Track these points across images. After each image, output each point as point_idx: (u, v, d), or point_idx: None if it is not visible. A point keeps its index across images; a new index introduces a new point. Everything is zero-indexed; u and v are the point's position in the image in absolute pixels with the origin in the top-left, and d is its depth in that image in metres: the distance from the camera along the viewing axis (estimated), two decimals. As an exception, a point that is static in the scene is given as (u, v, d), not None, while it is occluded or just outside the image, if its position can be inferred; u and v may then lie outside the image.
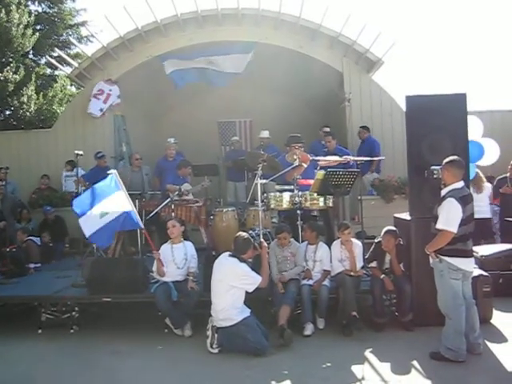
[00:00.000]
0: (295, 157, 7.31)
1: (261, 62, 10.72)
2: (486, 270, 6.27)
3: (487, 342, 5.36)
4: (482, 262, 6.57)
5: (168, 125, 13.53)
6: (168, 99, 12.31)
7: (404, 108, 6.33)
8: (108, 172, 6.71)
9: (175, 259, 6.32)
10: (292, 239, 6.55)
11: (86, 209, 6.27)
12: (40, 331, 6.40)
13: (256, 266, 5.83)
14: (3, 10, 14.34)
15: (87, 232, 6.18)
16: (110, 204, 6.26)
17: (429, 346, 5.19)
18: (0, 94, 14.16)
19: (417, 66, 38.19)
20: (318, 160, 7.73)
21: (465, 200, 4.86)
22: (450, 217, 4.79)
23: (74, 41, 17.51)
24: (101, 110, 11.49)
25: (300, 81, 12.18)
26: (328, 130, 10.40)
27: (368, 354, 5.31)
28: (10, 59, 14.80)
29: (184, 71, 11.07)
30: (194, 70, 11.12)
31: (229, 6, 10.95)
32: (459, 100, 6.01)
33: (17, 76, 14.32)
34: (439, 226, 4.85)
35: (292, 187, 7.09)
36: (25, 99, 14.55)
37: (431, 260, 5.11)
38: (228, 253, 5.79)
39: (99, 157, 10.12)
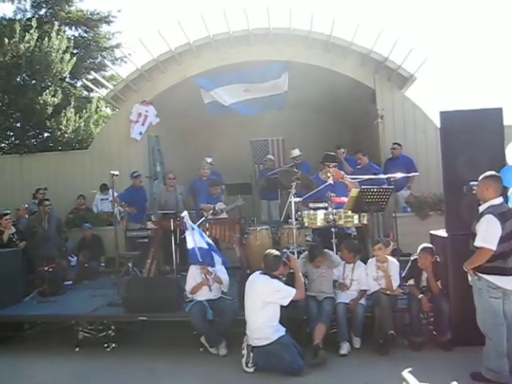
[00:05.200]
0: (329, 174, 7.30)
1: (292, 79, 10.77)
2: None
3: (530, 363, 5.20)
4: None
5: (201, 144, 13.68)
6: (201, 119, 12.47)
7: (438, 124, 6.27)
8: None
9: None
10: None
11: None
12: (77, 349, 6.48)
13: (289, 283, 5.79)
14: (46, 39, 14.80)
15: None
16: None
17: (468, 366, 5.06)
18: (39, 116, 14.54)
19: (451, 80, 37.81)
20: (352, 178, 7.70)
21: (504, 216, 4.74)
22: (488, 234, 4.70)
23: (108, 63, 17.94)
24: (140, 133, 11.73)
25: (331, 98, 12.20)
26: (343, 150, 10.35)
27: (405, 373, 5.21)
28: (49, 83, 15.19)
29: (218, 104, 11.18)
30: (229, 106, 11.20)
31: (260, 26, 11.07)
32: (495, 115, 5.92)
33: (55, 99, 14.70)
34: (478, 243, 4.76)
35: (326, 205, 7.06)
36: (64, 121, 14.92)
37: (470, 278, 5.00)
38: (259, 271, 5.79)
39: (135, 176, 10.23)
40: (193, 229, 6.36)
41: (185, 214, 6.52)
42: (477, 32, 39.92)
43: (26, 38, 14.22)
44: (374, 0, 41.26)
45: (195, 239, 6.27)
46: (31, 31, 14.46)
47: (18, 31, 14.16)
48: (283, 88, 10.87)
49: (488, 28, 38.57)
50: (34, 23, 15.04)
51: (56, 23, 16.57)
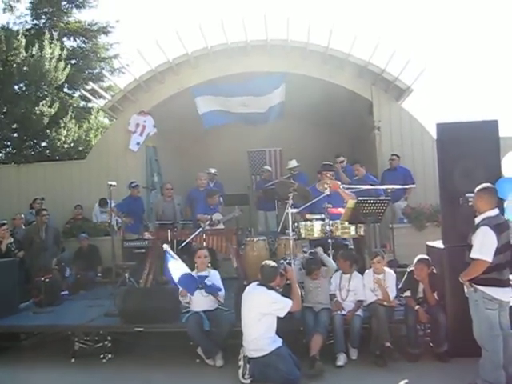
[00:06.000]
0: (326, 185, 7.32)
1: (289, 91, 10.82)
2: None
3: (527, 375, 5.19)
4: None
5: (198, 155, 13.71)
6: (198, 129, 12.52)
7: (435, 135, 6.30)
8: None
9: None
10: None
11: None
12: (73, 360, 6.44)
13: (286, 294, 5.79)
14: (36, 45, 14.85)
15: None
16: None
17: (465, 378, 5.06)
18: (36, 127, 14.56)
19: (448, 92, 37.98)
20: (349, 188, 7.71)
21: (500, 228, 4.76)
22: (484, 245, 4.70)
23: (106, 74, 17.99)
24: (138, 143, 11.78)
25: (329, 109, 12.25)
26: (342, 159, 10.32)
27: (402, 385, 5.21)
28: (46, 93, 15.22)
29: (215, 114, 11.23)
30: (225, 114, 11.27)
31: (258, 37, 11.13)
32: (491, 127, 5.97)
33: (51, 109, 14.72)
34: (473, 254, 4.77)
35: (323, 216, 7.08)
36: (64, 132, 14.95)
37: (466, 289, 5.01)
38: (256, 282, 5.78)
39: (133, 186, 10.24)
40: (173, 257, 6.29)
41: (166, 246, 6.50)
42: (474, 44, 40.21)
43: (15, 45, 14.24)
44: (371, 12, 41.56)
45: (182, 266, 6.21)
46: (18, 37, 14.50)
47: (3, 39, 14.18)
48: (280, 98, 10.91)
49: (485, 39, 38.85)
50: (21, 30, 15.10)
51: (47, 32, 16.53)
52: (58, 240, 9.93)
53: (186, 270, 6.18)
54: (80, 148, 15.55)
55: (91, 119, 17.57)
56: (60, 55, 15.83)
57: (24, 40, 14.66)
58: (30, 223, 10.49)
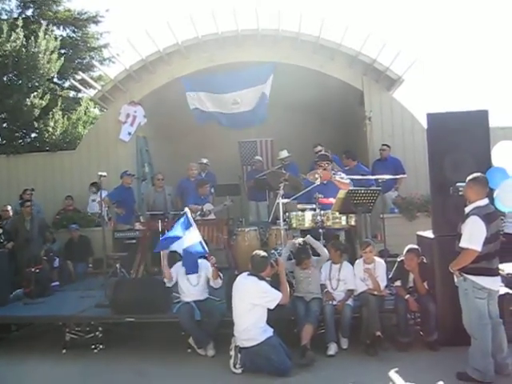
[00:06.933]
0: (316, 175, 7.32)
1: (280, 81, 10.77)
2: (512, 288, 6.15)
3: (515, 363, 5.23)
4: (508, 280, 6.45)
5: (189, 145, 13.61)
6: (189, 120, 12.44)
7: (425, 125, 6.31)
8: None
9: (188, 277, 6.33)
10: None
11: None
12: (64, 351, 6.44)
13: (275, 284, 5.81)
14: (32, 37, 14.67)
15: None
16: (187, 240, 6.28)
17: (455, 366, 5.10)
18: (26, 118, 14.42)
19: (438, 82, 38.01)
20: (341, 178, 7.69)
21: (489, 218, 4.79)
22: (473, 235, 4.74)
23: (96, 63, 17.82)
24: (129, 133, 11.72)
25: (320, 100, 12.20)
26: (320, 148, 10.26)
27: (393, 374, 5.24)
28: (36, 83, 15.05)
29: (206, 112, 11.22)
30: (216, 114, 11.24)
31: (249, 27, 11.07)
32: (481, 117, 5.98)
33: (43, 101, 14.60)
34: (463, 244, 4.80)
35: (314, 206, 7.08)
36: (51, 123, 14.81)
37: (456, 278, 5.04)
38: (246, 272, 5.80)
39: (128, 174, 10.14)
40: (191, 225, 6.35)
41: (186, 209, 6.59)
42: (465, 35, 40.23)
43: (13, 37, 14.08)
44: (363, 2, 41.45)
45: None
46: (17, 30, 14.33)
47: (5, 31, 14.04)
48: (266, 92, 10.82)
49: (476, 31, 38.89)
50: (20, 22, 14.90)
51: (43, 23, 16.34)
52: (44, 230, 9.87)
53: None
54: (68, 139, 15.36)
55: (80, 110, 17.39)
56: (55, 47, 15.63)
57: (22, 33, 14.46)
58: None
